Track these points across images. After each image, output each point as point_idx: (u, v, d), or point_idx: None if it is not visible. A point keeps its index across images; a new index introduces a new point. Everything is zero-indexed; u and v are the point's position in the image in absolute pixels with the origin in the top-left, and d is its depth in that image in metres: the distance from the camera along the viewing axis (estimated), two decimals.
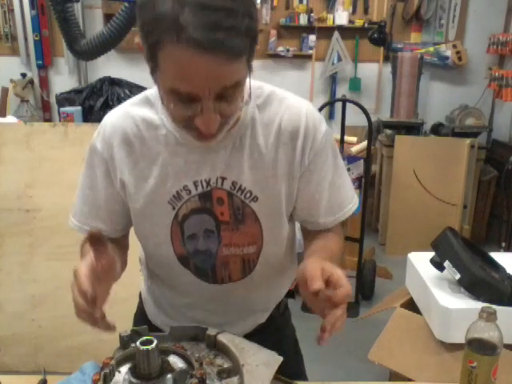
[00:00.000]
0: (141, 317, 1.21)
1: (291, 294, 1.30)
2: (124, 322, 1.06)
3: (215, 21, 0.71)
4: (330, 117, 4.63)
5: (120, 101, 2.90)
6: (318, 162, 0.97)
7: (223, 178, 0.94)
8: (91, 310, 0.81)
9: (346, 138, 3.14)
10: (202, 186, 0.94)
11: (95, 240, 0.80)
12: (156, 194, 0.96)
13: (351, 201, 1.04)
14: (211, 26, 0.71)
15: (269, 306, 1.15)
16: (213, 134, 0.82)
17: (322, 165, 0.98)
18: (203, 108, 0.77)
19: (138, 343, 0.78)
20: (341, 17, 4.38)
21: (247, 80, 0.84)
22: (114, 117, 0.98)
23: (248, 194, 0.95)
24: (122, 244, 1.07)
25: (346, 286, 0.81)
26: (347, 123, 3.01)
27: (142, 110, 0.95)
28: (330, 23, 4.41)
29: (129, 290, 1.31)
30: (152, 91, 0.96)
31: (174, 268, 1.03)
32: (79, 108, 2.87)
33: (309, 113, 0.97)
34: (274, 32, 4.41)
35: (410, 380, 1.58)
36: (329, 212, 1.02)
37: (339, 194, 1.03)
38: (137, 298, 1.26)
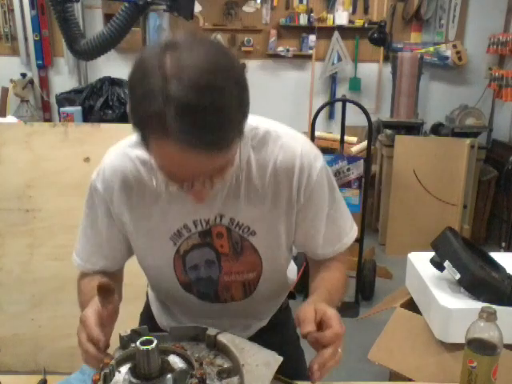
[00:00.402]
0: (147, 316, 1.24)
1: (292, 294, 1.32)
2: (131, 322, 1.07)
3: (202, 122, 0.70)
4: (330, 117, 4.64)
5: (120, 101, 2.89)
6: (313, 198, 0.99)
7: (221, 216, 0.97)
8: (101, 356, 0.82)
9: (346, 138, 3.14)
10: (202, 225, 0.98)
11: (104, 290, 0.83)
12: (157, 232, 0.99)
13: (349, 231, 1.07)
14: (198, 127, 0.70)
15: (270, 312, 1.19)
16: (204, 200, 0.85)
17: (317, 200, 0.99)
18: (193, 183, 0.80)
19: (138, 343, 0.78)
20: (341, 17, 4.38)
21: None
22: (114, 159, 0.99)
23: (246, 229, 0.98)
24: (118, 277, 1.11)
25: (335, 326, 0.83)
26: (347, 123, 3.01)
27: (140, 152, 0.95)
28: (330, 23, 4.41)
29: (136, 290, 1.32)
30: None
31: (178, 292, 1.07)
32: (79, 108, 2.87)
33: (304, 151, 0.97)
34: (273, 32, 4.41)
35: (410, 380, 1.58)
36: (327, 244, 1.05)
37: (336, 227, 1.05)
38: (143, 298, 1.27)
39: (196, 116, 0.70)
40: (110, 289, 0.83)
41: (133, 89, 0.76)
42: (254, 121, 0.95)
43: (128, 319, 1.10)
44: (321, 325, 0.85)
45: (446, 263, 1.62)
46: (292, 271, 1.19)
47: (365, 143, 3.18)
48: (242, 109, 0.76)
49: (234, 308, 1.09)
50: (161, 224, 0.98)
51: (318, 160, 0.99)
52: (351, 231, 1.08)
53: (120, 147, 1.01)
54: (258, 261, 1.02)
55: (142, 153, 0.95)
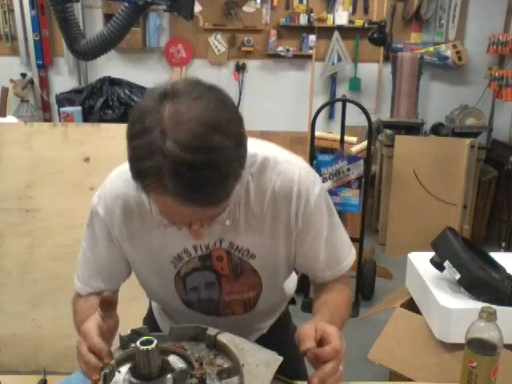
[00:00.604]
0: (150, 321, 1.26)
1: (291, 300, 1.34)
2: (131, 322, 1.07)
3: (198, 180, 0.72)
4: (330, 117, 4.63)
5: (120, 101, 2.89)
6: (311, 223, 1.00)
7: (221, 240, 0.98)
8: (102, 365, 0.82)
9: (346, 138, 3.14)
10: (202, 250, 1.00)
11: (106, 303, 0.84)
12: (158, 256, 1.01)
13: (348, 255, 1.09)
14: (194, 185, 0.72)
15: (270, 322, 1.22)
16: (203, 238, 0.87)
17: (316, 225, 1.01)
18: (191, 225, 0.83)
19: (138, 343, 0.78)
20: (341, 17, 4.38)
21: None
22: (116, 184, 1.00)
23: (245, 253, 1.00)
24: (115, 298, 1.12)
25: (334, 342, 0.84)
26: (347, 123, 3.01)
27: None
28: (329, 23, 4.41)
29: (136, 290, 1.32)
30: None
31: (180, 308, 1.10)
32: (79, 108, 2.87)
33: (301, 177, 0.98)
34: (273, 32, 4.41)
35: (410, 380, 1.58)
36: (326, 268, 1.07)
37: (335, 251, 1.06)
38: (143, 298, 1.28)
39: (192, 175, 0.71)
40: (112, 302, 0.85)
41: (131, 140, 0.76)
42: (253, 147, 0.94)
43: (128, 319, 1.09)
44: (321, 342, 0.86)
45: (446, 263, 1.62)
46: (291, 282, 1.21)
47: (365, 143, 3.18)
48: (239, 161, 0.77)
49: (235, 321, 1.11)
50: (161, 248, 1.00)
51: (316, 185, 1.00)
52: (349, 255, 1.09)
53: (122, 172, 0.99)
54: (257, 281, 1.05)
55: None
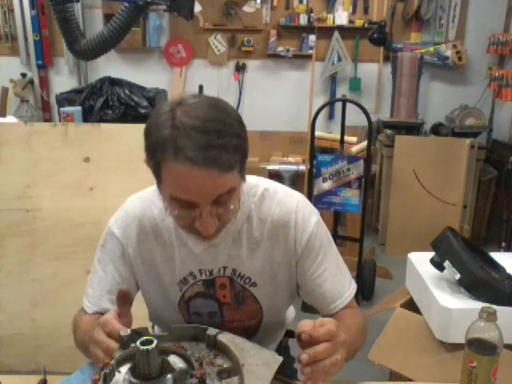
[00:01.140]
0: None
1: (291, 333, 1.37)
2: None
3: (207, 141, 0.82)
4: (330, 117, 4.63)
5: (120, 101, 2.89)
6: (310, 250, 1.05)
7: (225, 268, 1.05)
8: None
9: (346, 138, 3.14)
10: (206, 274, 1.06)
11: (123, 297, 0.86)
12: (165, 278, 1.07)
13: (349, 287, 1.10)
14: (204, 145, 0.81)
15: (270, 348, 1.23)
16: (212, 235, 0.92)
17: (314, 253, 1.06)
18: (201, 213, 0.87)
19: (138, 343, 0.78)
20: (341, 17, 4.38)
21: (242, 185, 0.95)
22: (133, 206, 1.08)
23: (247, 280, 1.06)
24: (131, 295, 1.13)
25: (329, 325, 0.83)
26: (347, 123, 3.01)
27: (157, 201, 1.05)
28: (330, 23, 4.41)
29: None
30: None
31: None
32: (79, 108, 2.87)
33: (299, 207, 1.05)
34: (273, 32, 4.41)
35: (410, 380, 1.58)
36: (329, 300, 1.08)
37: (336, 282, 1.08)
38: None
39: (202, 137, 0.82)
40: (128, 297, 0.87)
41: (147, 132, 0.87)
42: (255, 180, 1.07)
43: (140, 319, 1.10)
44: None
45: (446, 263, 1.62)
46: (290, 310, 1.28)
47: (365, 143, 3.18)
48: (242, 144, 0.87)
49: None
50: (169, 270, 1.06)
51: (313, 215, 1.07)
52: (350, 287, 1.11)
53: (140, 196, 1.10)
54: (258, 309, 1.10)
55: (162, 203, 1.00)
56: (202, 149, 0.81)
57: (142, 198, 1.08)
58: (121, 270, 1.07)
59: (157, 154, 0.84)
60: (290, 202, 1.06)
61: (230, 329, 1.07)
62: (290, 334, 1.34)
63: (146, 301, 1.15)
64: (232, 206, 0.90)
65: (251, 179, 1.03)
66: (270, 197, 1.05)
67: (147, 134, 0.87)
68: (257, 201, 1.05)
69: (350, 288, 1.10)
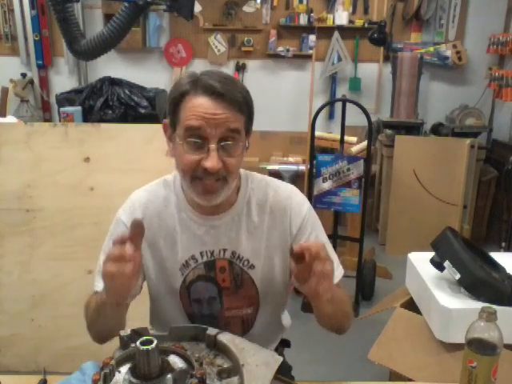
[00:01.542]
0: None
1: (287, 343, 1.39)
2: (131, 322, 1.07)
3: (223, 83, 0.98)
4: (330, 117, 4.63)
5: (120, 101, 2.89)
6: (303, 232, 1.14)
7: (224, 250, 1.12)
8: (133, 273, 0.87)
9: (346, 138, 3.14)
10: (207, 256, 1.12)
11: (136, 228, 0.88)
12: (168, 263, 1.13)
13: (337, 269, 1.12)
14: (220, 81, 0.98)
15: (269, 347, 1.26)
16: (217, 169, 0.98)
17: (308, 234, 1.15)
18: (209, 149, 0.97)
19: (138, 343, 0.78)
20: (341, 17, 4.38)
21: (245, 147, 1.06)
22: (138, 196, 1.16)
23: (246, 262, 1.13)
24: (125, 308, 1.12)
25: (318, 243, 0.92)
26: (347, 123, 3.01)
27: (163, 191, 1.15)
28: (330, 23, 4.41)
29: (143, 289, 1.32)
30: (169, 176, 1.17)
31: (181, 321, 1.16)
32: (79, 108, 2.87)
33: (294, 193, 1.18)
34: (273, 32, 4.41)
35: (410, 380, 1.58)
36: None
37: None
38: (144, 298, 1.27)
39: (218, 79, 0.98)
40: (141, 225, 0.89)
41: (169, 92, 1.03)
42: (251, 172, 1.18)
43: (128, 319, 1.10)
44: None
45: (446, 263, 1.62)
46: (285, 317, 1.31)
47: (365, 143, 3.18)
48: (250, 102, 1.03)
49: None
50: (172, 256, 1.12)
51: (306, 202, 1.18)
52: (338, 268, 1.16)
53: (145, 188, 1.18)
54: (255, 295, 1.15)
55: (162, 192, 1.15)
56: (217, 82, 0.97)
57: (147, 189, 1.17)
58: None
59: (177, 92, 1.00)
60: (286, 189, 1.18)
61: (227, 319, 1.15)
62: (285, 343, 1.37)
63: (150, 290, 1.18)
64: (234, 160, 1.00)
65: (246, 172, 1.16)
66: (267, 184, 1.17)
67: (169, 92, 1.03)
68: (255, 187, 1.15)
69: (338, 270, 1.15)
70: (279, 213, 1.14)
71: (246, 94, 1.02)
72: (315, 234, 1.16)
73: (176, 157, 1.04)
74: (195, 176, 1.00)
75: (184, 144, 0.99)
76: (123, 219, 1.13)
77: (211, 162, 0.97)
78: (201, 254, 1.12)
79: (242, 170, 1.14)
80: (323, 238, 1.18)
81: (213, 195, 1.02)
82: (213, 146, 0.97)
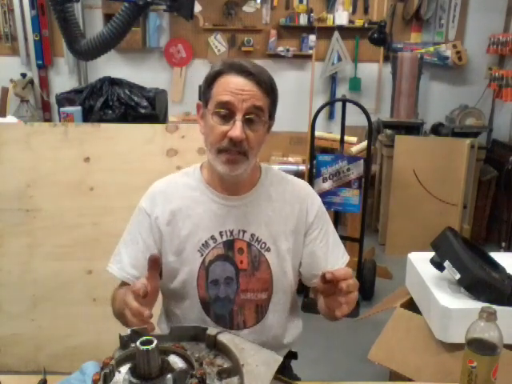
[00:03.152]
0: None
1: (294, 355, 1.38)
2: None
3: (254, 65, 1.12)
4: (330, 117, 4.64)
5: (120, 101, 2.89)
6: (318, 223, 1.24)
7: (244, 231, 1.18)
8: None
9: (346, 138, 3.14)
10: (227, 235, 1.17)
11: (153, 261, 0.95)
12: (188, 244, 1.17)
13: (343, 256, 1.28)
14: (252, 64, 1.11)
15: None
16: (240, 137, 1.07)
17: (322, 224, 1.25)
18: (235, 121, 1.07)
19: (137, 343, 0.78)
20: (341, 17, 4.38)
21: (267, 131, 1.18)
22: (158, 184, 1.25)
23: (263, 245, 1.18)
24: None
25: (346, 268, 0.99)
26: (347, 123, 3.01)
27: (182, 178, 1.24)
28: (329, 23, 4.41)
29: None
30: (188, 169, 1.26)
31: (195, 314, 1.19)
32: (79, 108, 2.86)
33: (308, 186, 1.30)
34: (273, 32, 4.42)
35: (410, 380, 1.58)
36: (329, 265, 1.22)
37: (334, 252, 1.26)
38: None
39: (248, 63, 1.11)
40: (158, 261, 0.96)
41: (205, 77, 1.14)
42: (269, 166, 1.28)
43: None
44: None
45: (446, 263, 1.62)
46: (298, 324, 1.33)
47: (365, 143, 3.18)
48: (276, 89, 1.15)
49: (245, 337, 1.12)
50: (192, 236, 1.17)
51: (317, 196, 1.29)
52: (345, 255, 1.28)
53: (164, 178, 1.26)
54: (269, 279, 1.19)
55: (183, 179, 1.23)
56: (249, 66, 1.09)
57: (166, 178, 1.26)
58: (147, 239, 1.18)
59: (212, 76, 1.11)
60: (301, 182, 1.29)
61: (242, 302, 1.18)
62: (292, 355, 1.37)
63: (165, 284, 1.19)
64: (256, 135, 1.10)
65: (266, 166, 1.27)
66: (284, 177, 1.27)
67: (204, 77, 1.14)
68: (274, 178, 1.25)
69: (344, 257, 1.27)
70: (297, 200, 1.23)
71: (273, 81, 1.14)
72: (327, 225, 1.26)
73: (206, 131, 1.14)
74: (221, 148, 1.09)
75: (213, 116, 1.09)
76: (144, 206, 1.20)
77: (236, 131, 1.06)
78: (220, 233, 1.17)
79: (262, 164, 1.25)
80: (332, 231, 1.28)
81: (234, 165, 1.10)
82: (239, 117, 1.07)
